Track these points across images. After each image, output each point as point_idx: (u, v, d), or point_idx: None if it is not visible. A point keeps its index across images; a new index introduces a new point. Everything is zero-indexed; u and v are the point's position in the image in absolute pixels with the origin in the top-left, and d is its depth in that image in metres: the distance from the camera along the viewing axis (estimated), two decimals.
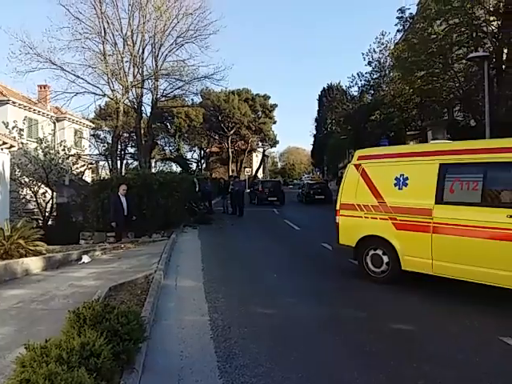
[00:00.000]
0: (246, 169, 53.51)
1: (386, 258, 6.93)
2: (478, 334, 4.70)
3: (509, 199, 5.73)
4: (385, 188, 7.00)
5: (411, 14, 19.21)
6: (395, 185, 6.86)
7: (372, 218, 7.08)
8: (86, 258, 9.64)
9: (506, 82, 14.10)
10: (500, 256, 5.56)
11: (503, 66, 14.18)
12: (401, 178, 6.80)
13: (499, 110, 13.86)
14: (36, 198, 18.69)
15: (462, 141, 7.31)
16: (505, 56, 14.14)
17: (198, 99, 35.83)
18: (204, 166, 54.60)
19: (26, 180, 18.77)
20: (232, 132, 50.50)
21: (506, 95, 14.08)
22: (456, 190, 6.17)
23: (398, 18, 19.64)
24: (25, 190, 19.07)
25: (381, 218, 6.95)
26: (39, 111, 29.52)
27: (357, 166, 7.54)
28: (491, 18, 14.28)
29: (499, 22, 14.06)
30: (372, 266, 7.12)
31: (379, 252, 7.01)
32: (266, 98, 54.00)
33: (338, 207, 7.68)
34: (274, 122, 57.52)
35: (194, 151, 55.36)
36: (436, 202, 6.27)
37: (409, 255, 6.58)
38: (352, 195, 7.44)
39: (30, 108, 28.35)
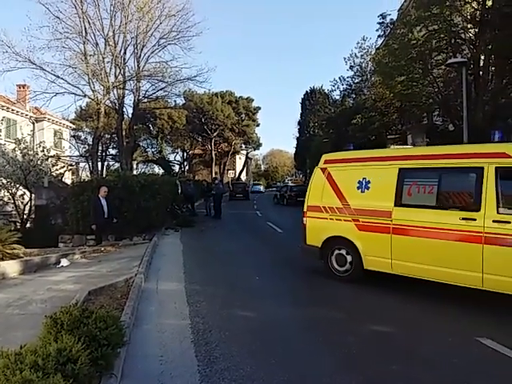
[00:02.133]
0: (230, 171, 53.45)
1: (349, 258, 7.26)
2: (456, 335, 4.79)
3: (462, 202, 6.15)
4: (348, 191, 7.35)
5: (392, 19, 19.54)
6: (358, 188, 7.21)
7: (337, 219, 7.42)
8: (64, 262, 9.46)
9: (483, 88, 14.44)
10: (454, 256, 5.94)
11: (480, 72, 14.52)
12: (363, 182, 7.16)
13: (477, 114, 14.18)
14: (14, 200, 18.25)
15: (419, 147, 7.65)
16: (482, 62, 14.48)
17: (180, 101, 35.66)
18: (187, 168, 54.30)
19: (4, 182, 18.32)
20: (215, 134, 50.37)
21: (483, 101, 14.42)
22: (413, 194, 6.55)
23: (379, 23, 19.96)
24: (2, 191, 18.61)
25: (345, 220, 7.29)
26: (18, 111, 28.95)
27: (323, 170, 7.87)
28: (469, 26, 14.63)
29: (476, 30, 14.41)
30: (336, 265, 7.44)
31: (343, 252, 7.35)
32: (250, 100, 54.09)
33: (305, 209, 8.00)
34: (258, 125, 57.68)
35: (177, 153, 55.03)
36: (395, 205, 6.63)
37: (370, 255, 6.94)
38: (318, 198, 7.75)
39: (8, 108, 27.78)
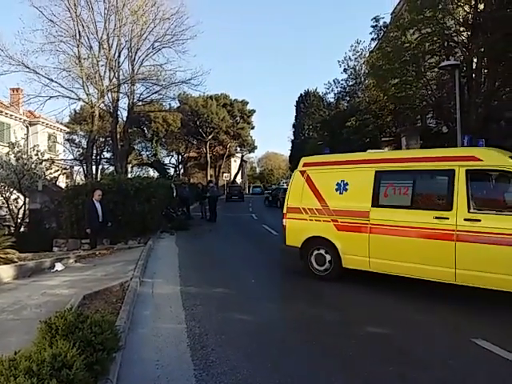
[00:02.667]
0: (225, 174, 53.39)
1: (328, 257, 7.52)
2: (451, 336, 4.82)
3: (435, 202, 6.55)
4: (327, 193, 7.63)
5: (385, 23, 19.66)
6: (336, 190, 7.52)
7: (316, 220, 7.67)
8: (59, 266, 9.41)
9: (476, 91, 14.56)
10: (428, 253, 6.29)
11: (473, 75, 14.63)
12: (341, 184, 7.47)
13: (470, 117, 14.28)
14: (8, 204, 18.13)
15: (394, 151, 8.02)
16: (474, 65, 14.60)
17: (175, 104, 35.71)
18: (182, 171, 54.21)
19: None
20: (210, 137, 50.37)
21: (476, 103, 14.53)
22: (390, 195, 6.90)
23: (372, 26, 20.07)
24: None
25: (324, 221, 7.56)
26: (11, 115, 28.79)
27: (302, 173, 8.11)
28: (461, 29, 14.75)
29: (468, 33, 14.54)
30: (316, 264, 7.68)
31: (322, 252, 7.59)
32: (245, 103, 54.19)
33: (285, 211, 8.22)
34: (253, 128, 57.80)
35: (172, 156, 54.94)
36: (372, 205, 6.97)
37: (349, 254, 7.22)
38: (298, 199, 7.99)
39: (1, 112, 27.63)
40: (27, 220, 17.96)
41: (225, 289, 7.19)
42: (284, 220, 8.22)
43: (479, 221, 5.84)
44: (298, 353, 4.42)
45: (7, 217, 18.83)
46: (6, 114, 28.17)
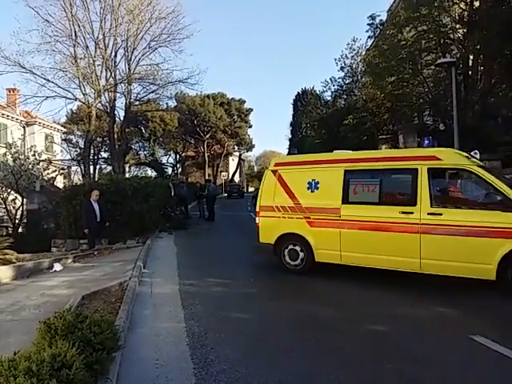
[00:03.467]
0: (223, 173, 53.35)
1: (301, 253, 7.89)
2: (449, 333, 4.84)
3: (400, 199, 7.13)
4: (299, 191, 7.97)
5: (381, 20, 19.73)
6: (308, 188, 7.89)
7: (289, 217, 8.01)
8: (57, 266, 9.41)
9: (472, 88, 14.61)
10: (395, 245, 6.80)
11: (469, 72, 14.69)
12: (313, 183, 7.86)
13: (466, 114, 14.35)
14: (5, 204, 18.10)
15: (362, 151, 8.57)
16: (470, 62, 14.65)
17: (172, 103, 35.64)
18: (180, 170, 54.13)
19: None
20: (208, 136, 50.30)
21: (473, 100, 14.59)
22: (359, 192, 7.36)
23: (368, 24, 20.16)
24: None
25: (297, 218, 7.92)
26: (8, 115, 28.72)
27: (274, 172, 8.42)
28: (457, 26, 14.79)
29: (464, 30, 14.58)
30: (289, 259, 8.05)
31: (295, 247, 7.96)
32: (242, 102, 54.10)
33: (257, 209, 8.50)
34: (250, 126, 57.69)
35: (170, 155, 54.81)
36: (343, 202, 7.41)
37: (321, 248, 7.64)
38: (270, 198, 8.28)
39: None
40: (25, 221, 17.93)
41: (224, 288, 7.20)
42: (257, 218, 8.50)
43: (441, 215, 6.43)
44: (296, 351, 4.44)
45: (5, 218, 18.82)
46: (3, 114, 28.11)
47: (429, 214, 6.52)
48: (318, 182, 7.82)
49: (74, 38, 21.61)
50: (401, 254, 6.76)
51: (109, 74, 23.00)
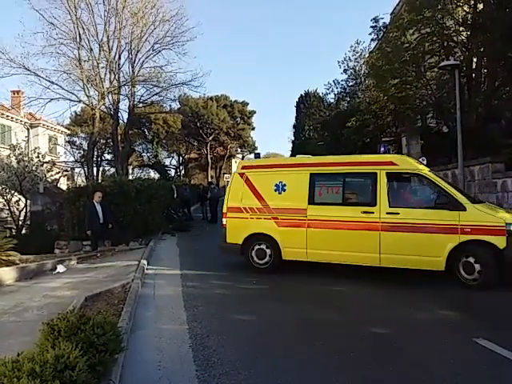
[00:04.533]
0: (226, 175, 53.27)
1: (269, 252, 8.29)
2: (453, 336, 4.83)
3: (362, 200, 7.83)
4: (267, 193, 8.38)
5: (385, 23, 19.66)
6: (275, 190, 8.32)
7: (257, 218, 8.40)
8: (61, 268, 9.44)
9: (476, 90, 14.56)
10: (357, 242, 7.46)
11: (473, 75, 14.63)
12: (280, 185, 8.30)
13: (470, 116, 14.28)
14: (9, 206, 18.15)
15: (325, 156, 9.36)
16: (474, 65, 14.59)
17: (176, 105, 35.59)
18: (183, 172, 54.19)
19: None
20: (211, 138, 50.35)
21: (476, 102, 14.53)
22: (323, 194, 8.00)
23: (372, 27, 20.07)
24: None
25: (265, 218, 8.32)
26: (12, 117, 28.87)
27: (241, 175, 8.76)
28: (461, 29, 14.75)
29: (468, 33, 14.53)
30: (257, 258, 8.41)
31: (263, 247, 8.34)
32: (245, 104, 54.12)
33: (224, 210, 8.74)
34: (253, 129, 57.68)
35: (173, 157, 54.88)
36: (309, 203, 7.94)
37: (288, 247, 8.09)
38: (238, 199, 8.59)
39: (2, 114, 27.70)
40: (29, 222, 17.97)
41: (226, 290, 7.21)
42: (224, 219, 8.72)
43: (398, 214, 7.21)
44: (299, 353, 4.43)
45: (9, 219, 18.86)
46: (7, 116, 28.25)
47: (387, 213, 7.27)
48: (285, 185, 8.26)
49: (78, 40, 21.69)
50: (362, 250, 7.43)
51: (113, 76, 23.07)
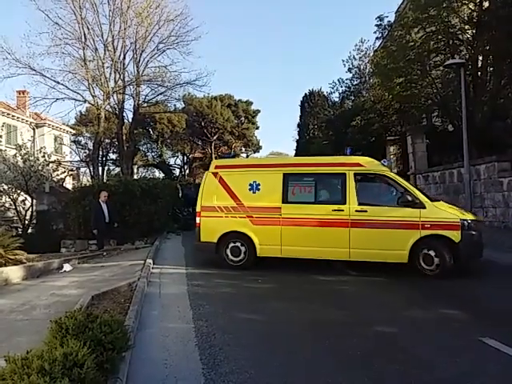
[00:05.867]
0: None
1: (243, 249, 8.54)
2: (459, 335, 4.80)
3: (333, 198, 8.26)
4: (241, 192, 8.60)
5: (389, 21, 19.56)
6: (249, 189, 8.57)
7: (232, 217, 8.59)
8: (67, 267, 9.50)
9: (482, 89, 14.49)
10: (329, 237, 7.95)
11: (479, 73, 14.57)
12: (254, 184, 8.56)
13: (476, 115, 14.23)
14: (15, 205, 18.28)
15: (299, 157, 9.70)
16: (480, 63, 14.53)
17: (180, 105, 35.75)
18: (187, 171, 54.26)
19: (5, 187, 18.35)
20: (215, 137, 50.35)
21: (482, 101, 14.47)
22: (296, 193, 8.38)
23: (376, 25, 19.98)
24: (4, 197, 18.63)
25: (239, 217, 8.54)
26: (18, 117, 29.03)
27: (215, 174, 8.95)
28: (466, 27, 14.68)
29: (473, 31, 14.46)
30: (231, 256, 8.65)
31: (238, 244, 8.58)
32: (249, 103, 54.05)
33: (198, 209, 8.85)
34: (257, 128, 57.55)
35: (177, 157, 54.92)
36: (283, 202, 8.29)
37: (263, 244, 8.39)
38: (212, 199, 8.76)
39: (8, 114, 27.86)
40: (35, 221, 18.08)
41: (232, 288, 7.23)
42: (198, 218, 8.83)
43: (366, 211, 7.77)
44: (305, 352, 4.44)
45: (15, 218, 18.98)
46: (13, 116, 28.41)
47: (356, 211, 7.81)
48: (259, 184, 8.53)
49: (83, 40, 21.81)
50: (333, 245, 7.92)
51: (117, 76, 23.17)
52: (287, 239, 8.19)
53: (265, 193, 8.48)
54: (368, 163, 8.30)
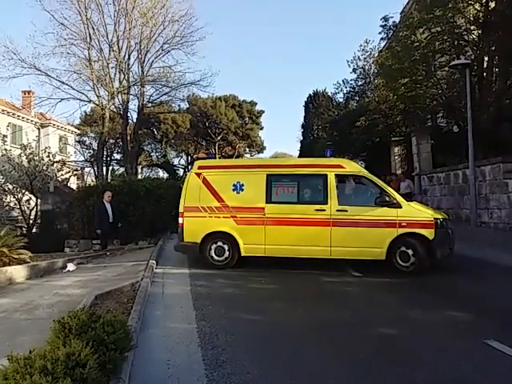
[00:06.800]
0: None
1: (227, 249, 8.63)
2: (463, 338, 4.77)
3: (315, 198, 8.50)
4: (225, 193, 8.70)
5: (394, 22, 19.52)
6: (233, 190, 8.68)
7: (216, 217, 8.68)
8: (71, 266, 9.52)
9: (487, 89, 14.39)
10: (311, 236, 8.19)
11: (484, 74, 14.47)
12: (237, 185, 8.67)
13: (481, 116, 14.13)
14: (20, 205, 18.35)
15: (282, 158, 10.39)
16: (485, 64, 14.43)
17: (184, 105, 35.74)
18: None
19: (10, 187, 18.43)
20: (219, 138, 50.40)
21: (487, 102, 14.37)
22: (280, 193, 8.58)
23: (381, 26, 19.95)
24: (8, 197, 18.71)
25: (224, 217, 8.64)
26: (23, 117, 29.18)
27: (198, 175, 8.98)
28: (472, 27, 14.58)
29: (479, 31, 14.37)
30: (215, 256, 8.71)
31: (222, 244, 8.66)
32: (253, 104, 54.05)
33: (181, 210, 8.86)
34: (261, 128, 57.53)
35: (181, 157, 55.02)
36: (266, 202, 8.45)
37: (247, 244, 8.51)
38: (195, 199, 8.77)
39: (13, 114, 28.01)
40: (39, 221, 18.15)
41: (235, 289, 7.22)
42: (181, 219, 8.84)
43: (346, 211, 8.07)
44: (308, 353, 4.42)
45: (19, 218, 19.06)
46: (18, 116, 28.56)
47: (337, 210, 8.10)
48: (242, 185, 8.65)
49: (88, 40, 21.91)
50: (316, 244, 8.16)
51: (122, 76, 23.25)
52: (271, 238, 8.36)
53: (249, 193, 8.61)
54: (348, 165, 8.69)
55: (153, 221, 13.35)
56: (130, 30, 22.53)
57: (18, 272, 8.48)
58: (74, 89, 22.09)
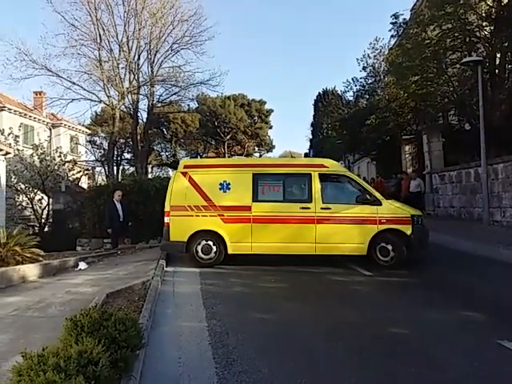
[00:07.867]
0: None
1: (214, 247, 8.75)
2: (476, 338, 4.71)
3: (300, 197, 8.80)
4: (212, 192, 8.81)
5: (405, 19, 19.39)
6: (220, 189, 8.82)
7: (203, 216, 8.77)
8: (82, 265, 9.62)
9: (499, 87, 14.20)
10: (297, 234, 8.44)
11: (496, 71, 14.28)
12: (224, 184, 8.82)
13: (493, 113, 13.96)
14: (32, 204, 18.62)
15: (268, 157, 10.48)
16: (498, 61, 14.24)
17: (194, 105, 35.83)
18: None
19: (22, 187, 18.71)
20: (228, 137, 50.48)
21: (500, 99, 14.18)
22: (266, 192, 8.77)
23: (391, 23, 19.85)
24: (21, 196, 19.00)
25: (210, 216, 8.74)
26: (35, 118, 29.49)
27: (184, 174, 9.06)
28: (484, 24, 14.39)
29: (492, 28, 14.18)
30: (202, 254, 8.81)
31: (209, 243, 8.76)
32: (262, 103, 54.02)
33: (167, 209, 8.93)
34: (270, 127, 57.49)
35: (191, 156, 55.29)
36: (253, 201, 8.63)
37: (234, 242, 8.66)
38: (182, 198, 8.85)
39: (25, 114, 28.33)
40: (51, 220, 18.39)
41: (244, 288, 7.22)
42: (167, 218, 8.90)
43: (330, 209, 8.41)
44: (318, 352, 4.40)
45: (32, 217, 19.34)
46: (30, 116, 28.87)
47: (321, 208, 8.40)
48: (229, 184, 8.80)
49: (98, 41, 22.04)
50: (301, 241, 8.40)
51: (132, 76, 23.35)
52: (257, 236, 8.53)
53: (235, 192, 8.75)
54: (331, 164, 8.99)
55: (163, 220, 13.38)
56: (139, 30, 22.62)
57: (31, 270, 8.59)
58: (84, 89, 22.27)
